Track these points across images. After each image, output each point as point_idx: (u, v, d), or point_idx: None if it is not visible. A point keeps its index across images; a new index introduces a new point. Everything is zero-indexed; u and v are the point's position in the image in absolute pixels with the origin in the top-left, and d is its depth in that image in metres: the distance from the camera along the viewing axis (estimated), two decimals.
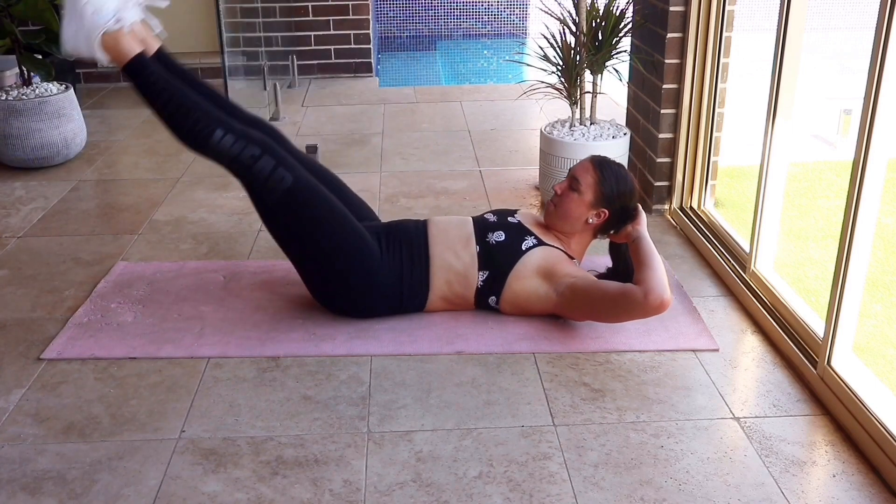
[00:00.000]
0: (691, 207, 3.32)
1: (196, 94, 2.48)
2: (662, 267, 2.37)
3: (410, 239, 2.55)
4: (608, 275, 2.67)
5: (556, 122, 3.57)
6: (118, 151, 4.40)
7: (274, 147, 2.44)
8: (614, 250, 2.68)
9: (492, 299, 2.56)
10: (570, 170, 2.67)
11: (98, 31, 2.36)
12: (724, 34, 3.09)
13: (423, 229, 2.59)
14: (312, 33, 5.88)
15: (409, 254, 2.52)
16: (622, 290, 2.36)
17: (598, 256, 2.85)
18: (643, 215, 2.58)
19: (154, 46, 2.52)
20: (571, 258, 2.60)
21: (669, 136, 3.32)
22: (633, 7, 3.50)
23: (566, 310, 2.51)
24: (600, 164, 2.58)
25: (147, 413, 2.17)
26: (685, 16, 3.14)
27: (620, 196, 2.57)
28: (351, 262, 2.47)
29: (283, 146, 2.57)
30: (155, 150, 4.40)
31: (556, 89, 3.49)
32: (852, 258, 2.08)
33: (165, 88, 2.40)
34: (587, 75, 3.44)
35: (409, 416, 2.14)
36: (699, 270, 2.95)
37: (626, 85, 3.70)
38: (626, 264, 2.58)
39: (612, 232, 2.61)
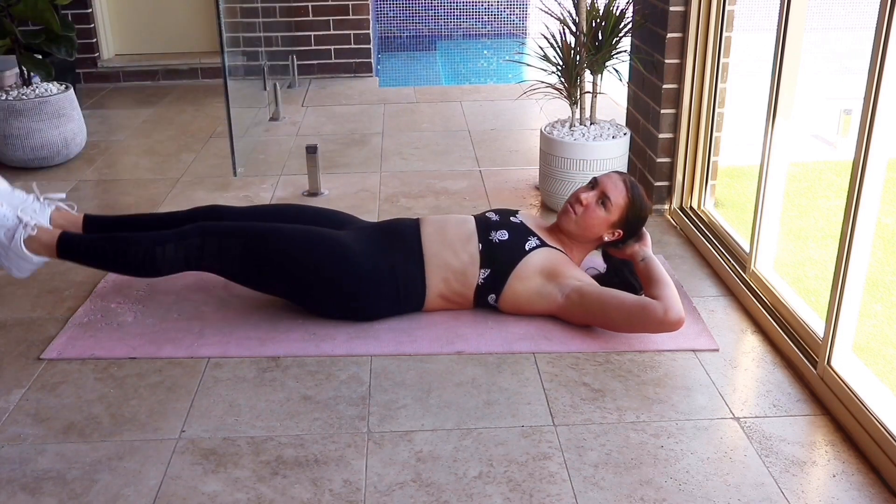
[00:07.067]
0: (691, 207, 3.32)
1: (129, 231, 2.60)
2: (673, 285, 2.44)
3: (403, 238, 2.56)
4: (605, 276, 2.68)
5: (556, 122, 3.57)
6: (118, 151, 4.40)
7: (209, 227, 2.51)
8: (607, 259, 2.73)
9: (491, 297, 2.56)
10: (595, 178, 2.64)
11: (17, 243, 2.44)
12: (724, 34, 3.09)
13: (415, 228, 2.59)
14: (312, 33, 5.88)
15: (403, 253, 2.52)
16: (641, 303, 2.40)
17: (595, 257, 2.85)
18: (648, 236, 2.65)
19: (77, 220, 2.65)
20: (572, 261, 2.61)
21: (669, 136, 3.32)
22: (633, 7, 3.50)
23: (569, 313, 2.51)
24: (633, 188, 2.61)
25: (147, 413, 2.17)
26: (685, 16, 3.14)
27: (639, 221, 2.62)
28: (334, 271, 2.48)
29: (225, 217, 2.67)
30: (155, 150, 4.40)
31: (556, 89, 3.48)
32: (852, 258, 2.07)
33: (98, 250, 2.50)
34: (587, 75, 3.44)
35: (409, 416, 2.14)
36: (699, 270, 2.95)
37: (626, 85, 3.70)
38: (616, 273, 2.66)
39: (617, 247, 2.64)
